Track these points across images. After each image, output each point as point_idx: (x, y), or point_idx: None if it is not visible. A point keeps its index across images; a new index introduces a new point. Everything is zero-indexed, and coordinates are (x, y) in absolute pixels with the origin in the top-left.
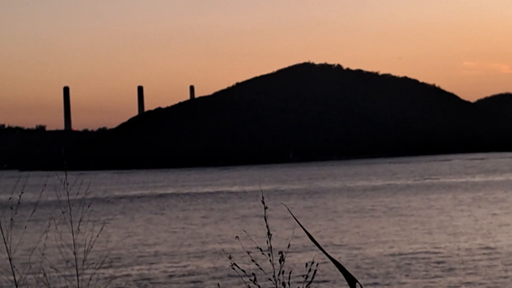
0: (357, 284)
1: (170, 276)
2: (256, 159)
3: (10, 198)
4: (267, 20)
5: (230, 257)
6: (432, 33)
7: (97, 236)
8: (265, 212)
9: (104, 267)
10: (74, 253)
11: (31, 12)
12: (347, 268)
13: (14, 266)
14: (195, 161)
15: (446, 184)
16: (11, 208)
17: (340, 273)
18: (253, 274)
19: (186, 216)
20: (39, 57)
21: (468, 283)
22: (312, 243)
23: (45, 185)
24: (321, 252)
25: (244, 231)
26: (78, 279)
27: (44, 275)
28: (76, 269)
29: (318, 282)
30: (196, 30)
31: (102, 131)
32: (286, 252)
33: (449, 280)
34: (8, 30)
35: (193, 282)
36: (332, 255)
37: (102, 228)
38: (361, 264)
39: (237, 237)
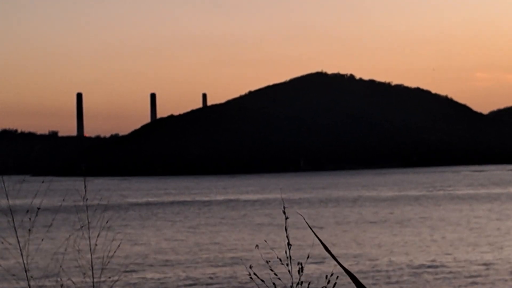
0: None
1: (185, 284)
2: (267, 167)
3: (32, 205)
4: (281, 29)
5: (250, 267)
6: (445, 44)
7: (115, 252)
8: (285, 222)
9: (117, 275)
10: (91, 267)
11: (44, 19)
12: (360, 279)
13: (31, 276)
14: (207, 169)
15: (459, 196)
16: (27, 211)
17: (353, 284)
18: (274, 284)
19: (198, 223)
20: (52, 63)
21: None
22: (328, 254)
23: (46, 190)
24: (335, 262)
25: (265, 240)
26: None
27: (61, 286)
28: (93, 279)
29: None
30: (210, 38)
31: (115, 137)
32: (305, 263)
33: None
34: (22, 36)
35: None
36: (344, 265)
37: (119, 244)
38: (374, 275)
39: (257, 246)
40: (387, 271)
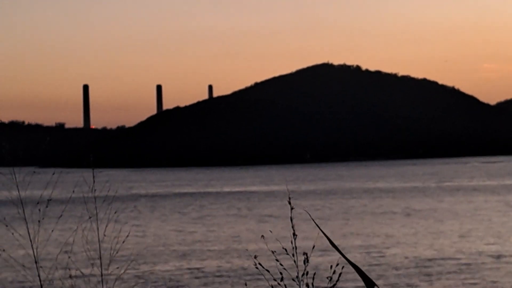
0: (375, 287)
1: (192, 275)
2: (273, 159)
3: (41, 196)
4: (287, 21)
5: (255, 257)
6: (452, 35)
7: (123, 242)
8: (291, 212)
9: (126, 267)
10: (100, 258)
11: (51, 13)
12: (365, 271)
13: (41, 267)
14: (212, 160)
15: (466, 187)
16: (38, 203)
17: (358, 276)
18: (281, 273)
19: (205, 215)
20: (59, 56)
21: None
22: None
23: (55, 182)
24: (340, 255)
25: (270, 231)
26: (102, 280)
27: (70, 276)
28: (101, 270)
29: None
30: (216, 30)
31: (121, 129)
32: (311, 253)
33: (471, 284)
34: (29, 30)
35: (215, 281)
36: (349, 258)
37: (127, 235)
38: (379, 267)
39: (262, 236)
40: (394, 262)
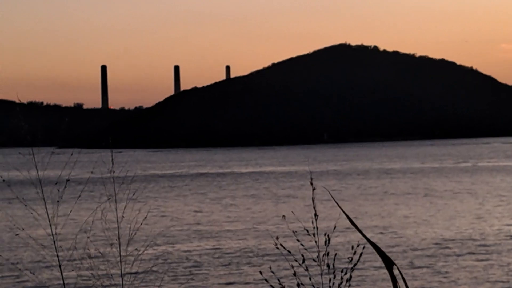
0: (394, 266)
1: (211, 256)
2: (291, 140)
3: (60, 176)
4: (304, 2)
5: (277, 238)
6: (470, 15)
7: (141, 224)
8: (312, 193)
9: (144, 247)
10: (118, 239)
11: None
12: (384, 251)
13: (60, 247)
14: (230, 141)
15: (484, 167)
16: (56, 183)
17: (377, 256)
18: (302, 256)
19: (223, 195)
20: (77, 36)
21: (510, 269)
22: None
23: (74, 162)
24: (359, 234)
25: (292, 212)
26: (121, 260)
27: (89, 256)
28: (119, 250)
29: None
30: (233, 10)
31: (139, 109)
32: (332, 234)
33: (489, 265)
34: (47, 10)
35: (233, 262)
36: (369, 237)
37: (146, 216)
38: (397, 247)
39: (283, 216)
40: (411, 243)
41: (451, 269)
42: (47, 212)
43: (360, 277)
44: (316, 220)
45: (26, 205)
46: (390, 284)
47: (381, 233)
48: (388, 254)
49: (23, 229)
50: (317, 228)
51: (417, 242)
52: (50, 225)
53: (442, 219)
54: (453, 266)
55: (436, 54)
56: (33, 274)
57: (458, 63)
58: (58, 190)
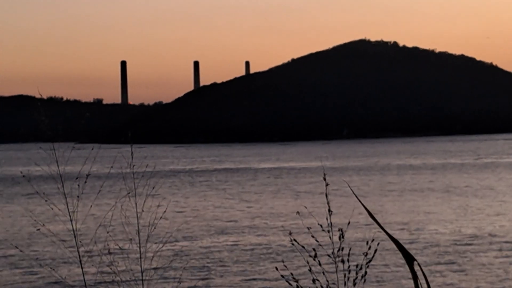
0: (414, 262)
1: (230, 251)
2: (310, 135)
3: (79, 172)
4: None
5: (290, 233)
6: (490, 11)
7: (161, 217)
8: (326, 188)
9: (163, 243)
10: (138, 234)
11: None
12: (405, 246)
13: (80, 241)
14: (249, 137)
15: (505, 164)
16: (77, 178)
17: (393, 251)
18: (314, 250)
19: (242, 191)
20: (97, 32)
21: None
22: (371, 221)
23: (94, 157)
24: (379, 229)
25: (305, 207)
26: (140, 255)
27: (109, 251)
28: (139, 245)
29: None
30: (253, 5)
31: (158, 105)
32: (346, 229)
33: (510, 262)
34: (66, 6)
35: (252, 257)
36: (389, 233)
37: (165, 210)
38: (418, 244)
39: (298, 212)
40: (432, 239)
41: (472, 266)
42: (68, 207)
43: (377, 273)
44: (330, 216)
45: (46, 200)
46: (406, 281)
47: (401, 229)
48: (409, 249)
49: (43, 225)
50: (331, 224)
51: (438, 239)
52: (71, 220)
53: (463, 216)
54: (473, 263)
55: (455, 50)
56: (53, 269)
57: (478, 59)
58: (78, 186)
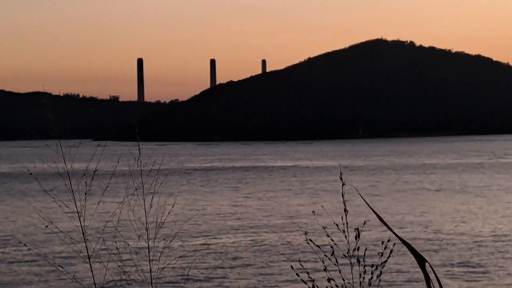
0: (426, 264)
1: (245, 250)
2: (326, 134)
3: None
4: None
5: (305, 233)
6: (506, 11)
7: (168, 213)
8: (342, 188)
9: (173, 239)
10: (146, 229)
11: None
12: (416, 248)
13: (87, 239)
14: (265, 135)
15: None
16: (84, 175)
17: (409, 253)
18: (331, 247)
19: (257, 190)
20: (114, 30)
21: None
22: (388, 221)
23: (103, 154)
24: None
25: (321, 206)
26: (149, 253)
27: (117, 249)
28: (147, 242)
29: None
30: (270, 4)
31: (174, 103)
32: (362, 229)
33: None
34: (83, 4)
35: (267, 255)
36: (401, 235)
37: (172, 206)
38: (434, 244)
39: (313, 212)
40: (448, 239)
41: (488, 267)
42: (76, 204)
43: (391, 275)
44: (346, 215)
45: (54, 198)
46: (419, 284)
47: (417, 229)
48: (424, 250)
49: (51, 222)
50: (347, 223)
51: (454, 239)
52: (79, 217)
53: (479, 216)
54: (490, 263)
55: (472, 50)
56: (62, 267)
57: (494, 59)
58: (86, 183)
